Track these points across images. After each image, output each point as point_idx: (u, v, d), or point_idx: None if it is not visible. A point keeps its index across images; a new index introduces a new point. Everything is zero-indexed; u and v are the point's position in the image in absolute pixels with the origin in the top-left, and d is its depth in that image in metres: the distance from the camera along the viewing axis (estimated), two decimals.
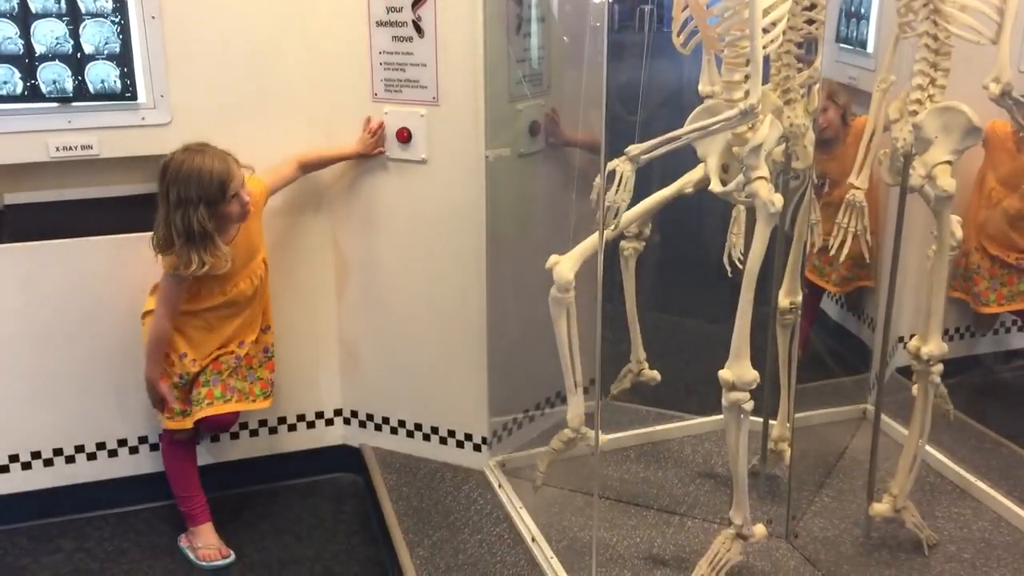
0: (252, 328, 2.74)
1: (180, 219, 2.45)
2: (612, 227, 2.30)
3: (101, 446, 2.97)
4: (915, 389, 2.51)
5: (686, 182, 2.49)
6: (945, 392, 2.62)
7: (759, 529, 2.42)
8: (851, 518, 2.75)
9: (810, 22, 2.47)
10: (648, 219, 2.77)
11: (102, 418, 2.94)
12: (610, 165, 2.18)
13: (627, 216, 2.58)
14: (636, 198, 2.64)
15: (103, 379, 2.89)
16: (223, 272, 2.55)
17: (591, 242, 2.45)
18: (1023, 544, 2.64)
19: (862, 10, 3.39)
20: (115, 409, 2.94)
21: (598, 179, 2.19)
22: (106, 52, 2.65)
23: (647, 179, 2.97)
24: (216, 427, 2.83)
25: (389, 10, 2.78)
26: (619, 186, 2.15)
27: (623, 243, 2.82)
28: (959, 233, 2.44)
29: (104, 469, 2.99)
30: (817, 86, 2.56)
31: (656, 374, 3.04)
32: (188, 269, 2.48)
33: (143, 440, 3.00)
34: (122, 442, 2.99)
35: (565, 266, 2.46)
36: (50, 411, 2.89)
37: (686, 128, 2.19)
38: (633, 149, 2.16)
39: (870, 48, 3.30)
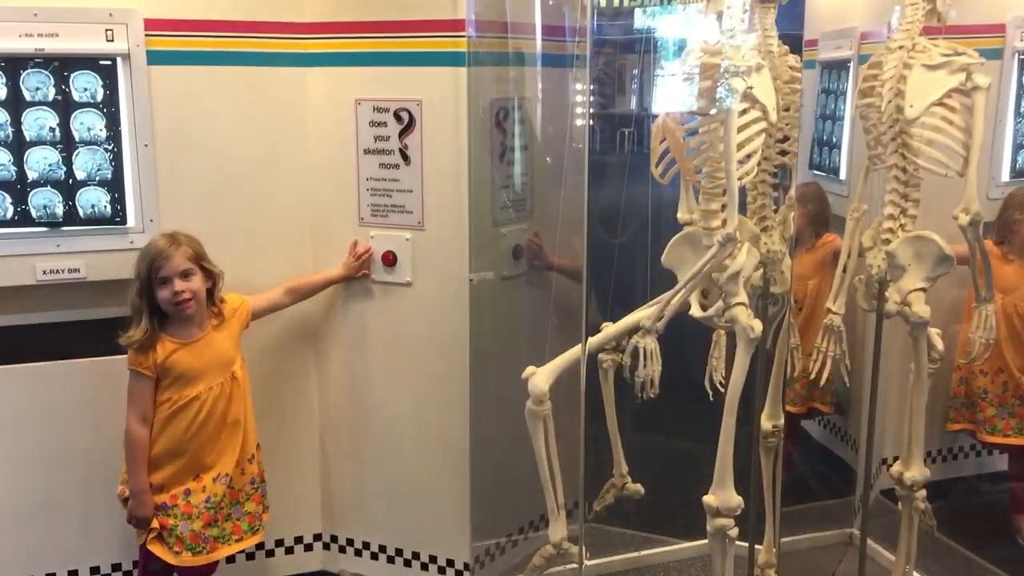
0: (230, 457, 2.66)
1: (135, 292, 2.55)
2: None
3: (73, 573, 2.89)
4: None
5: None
6: (928, 508, 2.60)
7: None
8: None
9: (783, 153, 2.56)
10: (626, 333, 2.79)
11: (76, 544, 2.87)
12: (632, 342, 2.21)
13: (605, 334, 2.61)
14: (622, 307, 2.70)
15: (76, 503, 2.83)
16: (182, 372, 2.56)
17: (569, 354, 2.46)
18: None
19: (834, 139, 3.51)
20: (88, 534, 2.87)
21: (626, 357, 2.24)
22: (98, 178, 2.70)
23: (631, 293, 3.03)
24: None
25: (377, 139, 2.86)
26: (647, 360, 2.19)
27: (601, 356, 2.82)
28: (939, 345, 2.43)
29: None
30: (792, 213, 2.63)
31: (639, 487, 3.01)
32: (138, 334, 2.52)
33: (116, 567, 2.92)
34: (95, 569, 2.91)
35: (540, 377, 2.47)
36: (23, 536, 2.82)
37: (684, 281, 2.22)
38: (647, 322, 2.20)
39: (842, 175, 3.40)
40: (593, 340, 2.60)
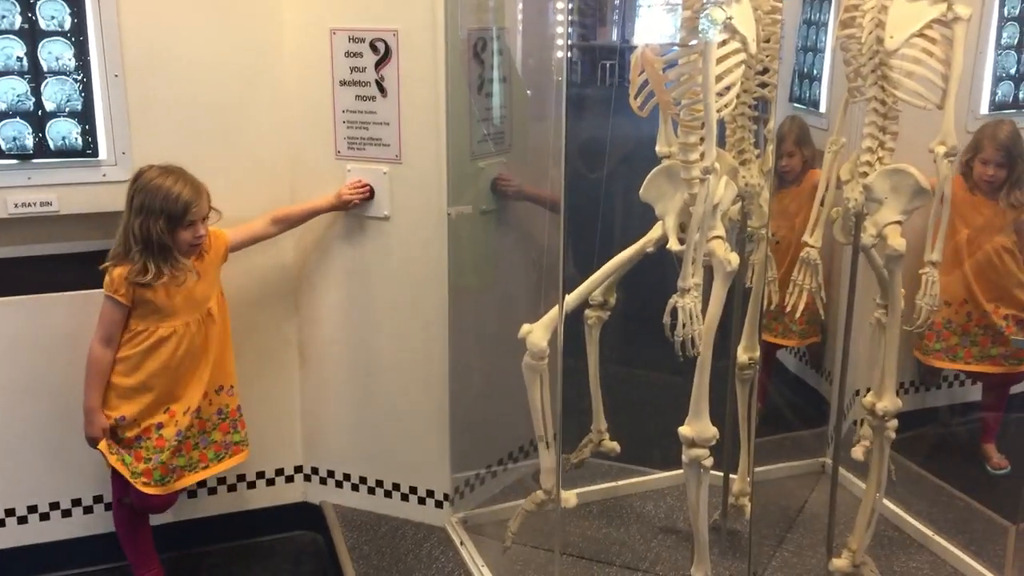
0: (198, 390, 2.67)
1: (139, 227, 2.49)
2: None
3: (54, 506, 2.91)
4: (860, 449, 2.55)
5: (646, 241, 2.52)
6: (892, 468, 2.64)
7: None
8: (811, 573, 2.76)
9: (763, 85, 2.55)
10: (613, 287, 2.78)
11: (56, 477, 2.89)
12: (669, 304, 2.19)
13: (591, 281, 2.60)
14: (600, 256, 2.68)
15: (58, 437, 2.84)
16: (160, 305, 2.55)
17: (560, 309, 2.44)
18: None
19: (814, 71, 3.48)
20: (70, 468, 2.88)
21: (666, 316, 2.21)
22: (68, 110, 2.65)
23: (609, 239, 3.02)
24: (148, 508, 2.74)
25: (353, 70, 2.82)
26: (690, 320, 2.17)
27: (587, 311, 2.81)
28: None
29: (58, 530, 2.93)
30: (772, 147, 2.62)
31: (616, 445, 3.01)
32: (143, 276, 2.49)
33: (97, 499, 2.94)
34: (76, 501, 2.93)
35: (537, 334, 2.47)
36: (2, 470, 2.83)
37: (691, 226, 2.20)
38: (681, 282, 2.18)
39: (822, 108, 3.39)
40: (575, 294, 2.56)
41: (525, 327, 2.48)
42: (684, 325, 2.17)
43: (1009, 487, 3.11)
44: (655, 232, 2.52)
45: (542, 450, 2.58)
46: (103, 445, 2.59)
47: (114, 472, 2.67)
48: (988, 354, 3.25)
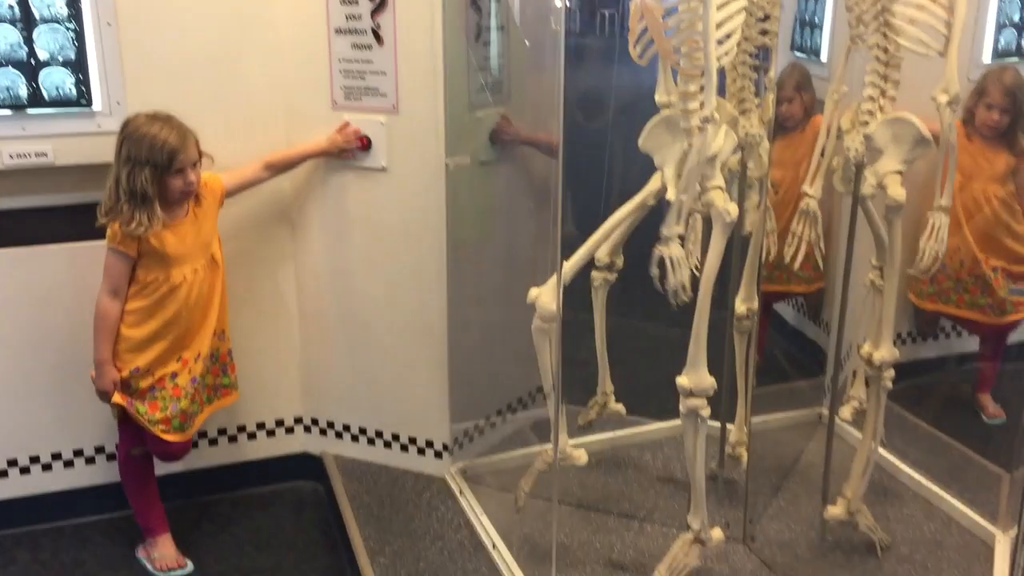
0: (207, 336, 2.69)
1: (126, 177, 2.47)
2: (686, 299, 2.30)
3: (56, 456, 2.94)
4: (849, 409, 2.56)
5: (647, 194, 2.48)
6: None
7: (716, 533, 2.45)
8: (807, 521, 2.79)
9: (764, 32, 2.52)
10: (619, 248, 2.74)
11: (58, 428, 2.91)
12: (656, 253, 2.18)
13: (595, 239, 2.57)
14: (602, 208, 2.66)
15: (58, 388, 2.86)
16: (167, 253, 2.54)
17: (565, 268, 2.42)
18: (973, 545, 2.70)
19: (816, 19, 3.44)
20: (70, 419, 2.90)
21: (653, 267, 2.21)
22: (61, 58, 2.62)
23: (610, 190, 3.00)
24: (168, 455, 2.76)
25: (348, 18, 2.78)
26: (675, 269, 2.16)
27: (594, 273, 2.77)
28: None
29: (60, 480, 2.96)
30: (772, 96, 2.60)
31: (622, 408, 3.02)
32: (129, 226, 2.47)
33: (100, 450, 2.97)
34: (78, 452, 2.96)
35: (546, 297, 2.44)
36: (4, 421, 2.85)
37: (684, 178, 2.20)
38: (665, 231, 2.17)
39: (824, 56, 3.35)
40: (579, 254, 2.53)
41: (533, 291, 2.44)
42: (673, 271, 2.16)
43: (1004, 436, 3.13)
44: (654, 183, 2.51)
45: (552, 413, 2.57)
46: (117, 397, 2.60)
47: (122, 423, 2.69)
48: (977, 303, 3.26)
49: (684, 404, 2.29)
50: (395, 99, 2.81)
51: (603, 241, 2.58)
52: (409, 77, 2.78)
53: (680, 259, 2.17)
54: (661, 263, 2.19)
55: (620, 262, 2.77)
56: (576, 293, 2.45)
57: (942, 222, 2.40)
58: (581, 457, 2.56)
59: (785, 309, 3.84)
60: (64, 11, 2.59)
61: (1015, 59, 3.32)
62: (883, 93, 2.35)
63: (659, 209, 2.50)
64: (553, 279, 2.44)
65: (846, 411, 2.78)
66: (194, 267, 2.62)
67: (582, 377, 2.99)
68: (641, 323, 3.64)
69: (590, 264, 2.66)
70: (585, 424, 3.04)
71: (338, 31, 2.81)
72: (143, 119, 2.50)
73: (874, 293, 2.62)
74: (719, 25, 2.09)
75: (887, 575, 2.57)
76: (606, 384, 2.99)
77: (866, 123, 2.36)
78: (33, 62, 2.60)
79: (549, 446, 2.58)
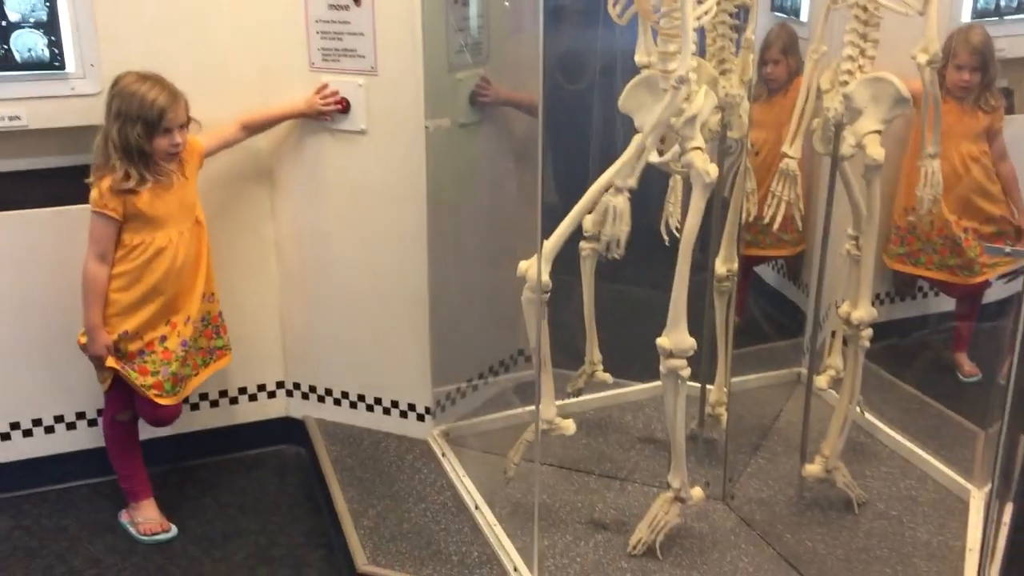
0: (196, 299, 2.69)
1: (117, 132, 2.47)
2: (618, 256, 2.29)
3: (37, 422, 2.93)
4: (825, 378, 2.58)
5: (629, 158, 2.46)
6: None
7: (696, 492, 2.48)
8: (785, 479, 2.83)
9: None
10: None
11: (39, 394, 2.90)
12: (602, 201, 2.17)
13: (578, 208, 2.54)
14: (577, 174, 2.64)
15: (38, 354, 2.84)
16: (153, 215, 2.53)
17: (554, 239, 2.40)
18: (947, 500, 2.75)
19: None
20: (51, 385, 2.89)
21: (594, 215, 2.18)
22: (32, 20, 2.58)
23: (592, 151, 2.98)
24: (159, 419, 2.75)
25: None
26: (615, 220, 2.15)
27: (582, 243, 2.73)
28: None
29: (41, 446, 2.95)
30: (752, 56, 2.59)
31: (608, 377, 3.02)
32: (125, 183, 2.47)
33: (80, 416, 2.96)
34: (59, 418, 2.95)
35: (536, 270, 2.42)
36: None
37: (645, 130, 2.19)
38: (618, 180, 2.16)
39: (804, 16, 3.33)
40: (565, 222, 2.50)
41: (523, 264, 2.40)
42: (613, 223, 2.16)
43: (979, 394, 3.18)
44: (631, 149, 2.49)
45: (543, 381, 2.56)
46: (111, 361, 2.58)
47: (111, 389, 2.67)
48: (946, 264, 3.28)
49: (664, 365, 2.31)
50: (373, 61, 2.78)
51: (588, 209, 2.52)
52: (387, 38, 2.75)
53: (623, 213, 2.17)
54: (604, 211, 2.18)
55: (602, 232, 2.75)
56: (562, 260, 2.44)
57: (934, 168, 2.41)
58: (569, 427, 2.57)
59: (765, 271, 3.86)
60: None
61: (994, 19, 3.32)
62: (863, 52, 2.34)
63: (645, 173, 2.49)
64: (544, 249, 2.42)
65: (823, 380, 2.81)
66: (180, 229, 2.60)
67: (565, 340, 3.00)
68: (623, 286, 3.65)
69: (578, 233, 2.63)
70: (574, 392, 3.05)
71: None
72: (133, 76, 2.49)
73: (850, 263, 2.64)
74: None
75: (864, 530, 2.61)
76: (594, 353, 3.00)
77: (845, 83, 2.36)
78: (4, 23, 2.56)
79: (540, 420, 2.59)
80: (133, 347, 2.60)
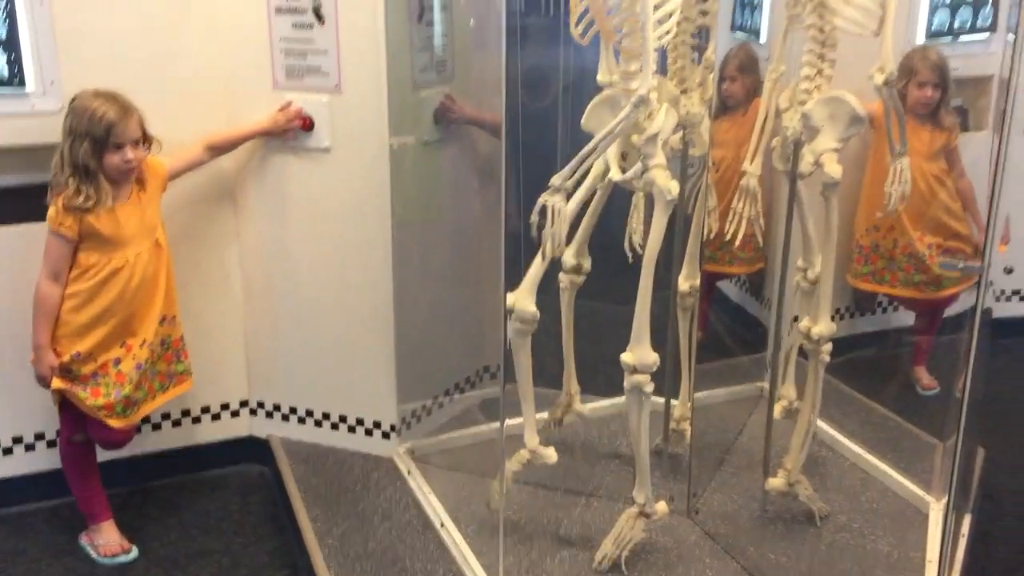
0: (150, 321, 2.65)
1: (68, 149, 2.46)
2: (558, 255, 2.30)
3: None
4: (779, 408, 2.62)
5: (593, 180, 2.47)
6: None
7: (661, 507, 2.50)
8: (749, 493, 2.85)
9: (704, 13, 2.55)
10: (585, 249, 2.72)
11: None
12: (540, 200, 2.18)
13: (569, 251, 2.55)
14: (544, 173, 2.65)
15: None
16: (109, 235, 2.51)
17: (537, 268, 2.40)
18: (908, 512, 2.79)
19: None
20: (10, 405, 2.85)
21: (533, 215, 2.20)
22: None
23: (553, 158, 2.98)
24: (110, 443, 2.72)
25: None
26: (554, 219, 2.17)
27: (561, 275, 2.74)
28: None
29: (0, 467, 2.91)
30: (713, 75, 2.63)
31: (586, 409, 3.01)
32: (76, 200, 2.45)
33: (40, 437, 2.92)
34: (17, 439, 2.90)
35: (524, 300, 2.41)
36: None
37: (596, 140, 2.21)
38: (556, 180, 2.18)
39: (763, 38, 3.39)
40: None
41: (511, 296, 2.41)
42: (552, 222, 2.17)
43: (938, 407, 3.23)
44: (598, 167, 2.50)
45: (526, 411, 2.57)
46: (56, 382, 2.55)
47: (63, 409, 2.65)
48: (912, 280, 3.33)
49: (628, 380, 2.33)
50: (338, 79, 2.79)
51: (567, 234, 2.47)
52: (352, 56, 2.76)
53: (562, 211, 2.18)
54: (543, 212, 2.19)
55: (588, 264, 2.75)
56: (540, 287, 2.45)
57: (903, 164, 2.45)
58: (551, 456, 2.58)
59: (727, 286, 3.89)
60: None
61: (948, 39, 3.39)
62: (820, 72, 2.39)
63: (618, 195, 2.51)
64: (526, 280, 2.42)
65: (776, 410, 2.85)
66: (137, 250, 2.58)
67: (538, 360, 3.01)
68: (587, 302, 3.67)
69: (556, 265, 2.64)
70: (555, 423, 3.01)
71: (279, 10, 2.78)
72: (89, 94, 2.48)
73: (801, 295, 2.69)
74: (657, 6, 2.11)
75: (826, 543, 2.64)
76: (571, 384, 2.99)
77: (803, 102, 2.40)
78: None
79: (523, 450, 2.59)
80: (87, 369, 2.57)
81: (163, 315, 2.69)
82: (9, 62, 2.59)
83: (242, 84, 2.87)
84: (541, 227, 2.18)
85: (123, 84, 2.57)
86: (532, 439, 2.58)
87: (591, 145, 2.21)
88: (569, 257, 2.71)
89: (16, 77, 2.61)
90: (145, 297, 2.63)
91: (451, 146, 3.08)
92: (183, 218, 2.89)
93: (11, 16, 2.56)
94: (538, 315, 2.43)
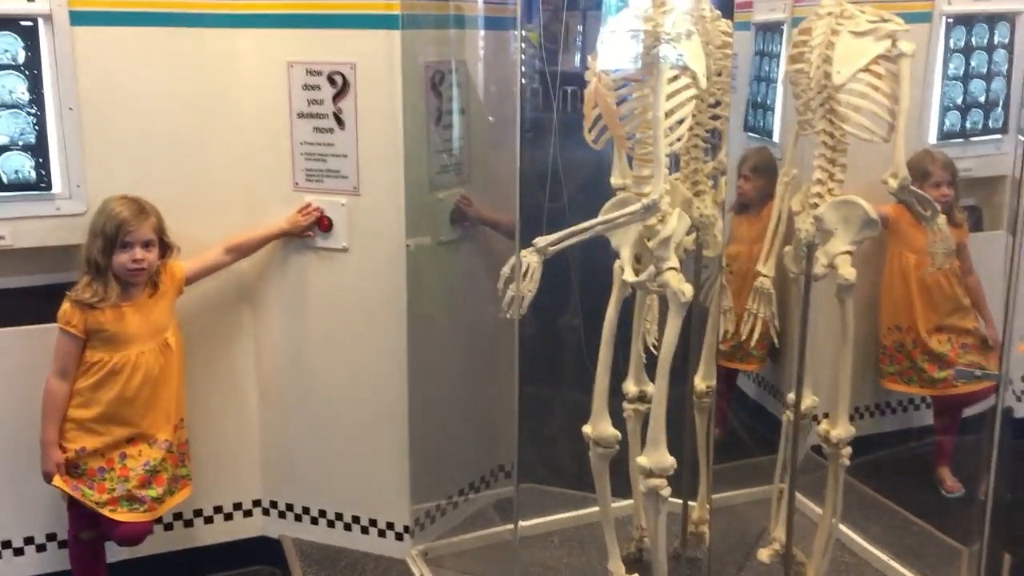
0: (157, 420, 2.65)
1: (86, 247, 2.56)
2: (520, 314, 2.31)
3: (7, 544, 2.86)
4: (767, 552, 2.65)
5: (618, 289, 2.45)
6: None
7: None
8: None
9: (715, 117, 2.59)
10: (644, 376, 2.70)
11: (8, 515, 2.83)
12: (519, 255, 2.21)
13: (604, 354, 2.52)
14: (557, 292, 2.65)
15: (9, 473, 2.79)
16: (112, 334, 2.55)
17: (600, 390, 2.40)
18: None
19: (768, 102, 3.54)
20: (22, 505, 2.83)
21: (505, 268, 2.23)
22: (21, 143, 2.63)
23: (574, 268, 3.00)
24: (124, 539, 2.69)
25: (310, 102, 2.82)
26: (528, 277, 2.19)
27: (625, 404, 2.72)
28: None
29: (10, 569, 2.87)
30: (724, 177, 2.66)
31: None
32: (84, 295, 2.52)
33: (51, 537, 2.89)
34: (29, 539, 2.88)
35: (602, 425, 2.43)
36: None
37: (593, 221, 2.25)
38: (540, 241, 2.20)
39: (776, 138, 3.44)
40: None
41: (587, 428, 2.43)
42: (524, 279, 2.17)
43: (963, 511, 3.15)
44: (619, 275, 2.48)
45: (609, 536, 2.59)
46: (58, 480, 2.56)
47: (71, 507, 2.64)
48: (935, 379, 3.30)
49: (645, 484, 2.30)
50: (356, 181, 2.84)
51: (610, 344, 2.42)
52: (370, 160, 2.82)
53: (535, 272, 2.19)
54: (516, 267, 2.19)
55: (650, 390, 2.67)
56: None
57: (940, 222, 2.45)
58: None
59: (746, 383, 3.86)
60: (26, 97, 2.61)
61: (959, 140, 3.43)
62: (831, 176, 2.41)
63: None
64: (595, 405, 2.42)
65: (764, 555, 2.80)
66: (140, 350, 2.60)
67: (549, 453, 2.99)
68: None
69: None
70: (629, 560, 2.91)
71: (300, 115, 2.85)
72: (115, 197, 2.58)
73: (788, 430, 2.68)
74: (670, 113, 2.15)
75: None
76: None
77: (815, 205, 2.42)
78: None
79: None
80: (95, 464, 2.58)
81: (172, 416, 2.70)
82: (37, 166, 2.66)
83: (263, 186, 2.93)
84: (509, 281, 2.19)
85: (147, 187, 2.64)
86: (618, 568, 2.54)
87: (588, 224, 2.22)
88: (631, 387, 2.71)
89: (43, 180, 2.67)
90: (149, 396, 2.63)
91: (467, 245, 3.11)
92: (200, 315, 2.91)
93: (40, 122, 2.63)
94: (619, 436, 2.43)
